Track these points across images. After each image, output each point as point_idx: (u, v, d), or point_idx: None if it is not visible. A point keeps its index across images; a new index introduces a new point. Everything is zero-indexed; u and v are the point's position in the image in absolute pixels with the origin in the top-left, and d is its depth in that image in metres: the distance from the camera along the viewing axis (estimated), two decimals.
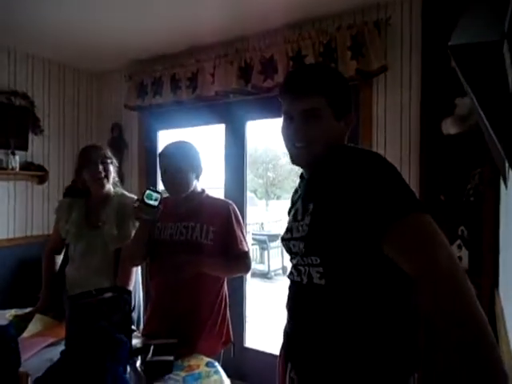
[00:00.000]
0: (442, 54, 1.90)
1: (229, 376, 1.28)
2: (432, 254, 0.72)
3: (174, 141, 1.62)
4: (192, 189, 1.59)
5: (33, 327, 1.59)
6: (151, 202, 1.42)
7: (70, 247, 1.90)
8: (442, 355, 0.65)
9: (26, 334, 1.52)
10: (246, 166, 2.80)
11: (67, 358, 1.15)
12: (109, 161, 1.85)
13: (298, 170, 1.14)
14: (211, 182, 2.98)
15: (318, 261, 0.90)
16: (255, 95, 2.54)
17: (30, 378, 1.15)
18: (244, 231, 1.62)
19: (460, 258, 1.88)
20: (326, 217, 0.88)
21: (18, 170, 2.80)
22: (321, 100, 0.93)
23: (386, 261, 0.81)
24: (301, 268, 0.96)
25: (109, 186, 1.89)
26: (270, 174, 20.68)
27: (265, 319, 4.42)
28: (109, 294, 1.44)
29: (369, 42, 2.08)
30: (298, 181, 1.14)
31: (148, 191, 1.42)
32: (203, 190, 1.66)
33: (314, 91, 0.94)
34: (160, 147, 3.18)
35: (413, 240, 0.76)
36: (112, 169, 1.87)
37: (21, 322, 1.60)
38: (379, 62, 2.07)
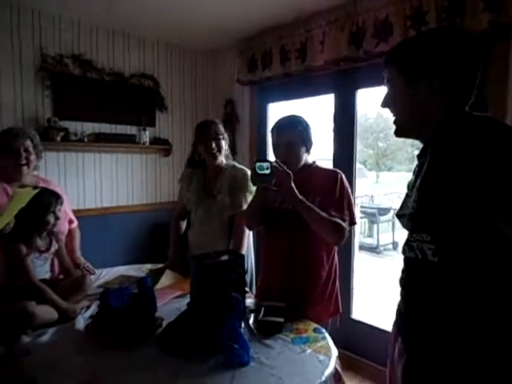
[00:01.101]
0: None
1: (334, 344, 1.31)
2: None
3: (285, 115, 1.65)
4: (303, 162, 1.61)
5: (165, 280, 1.86)
6: (264, 172, 1.45)
7: (191, 213, 2.14)
8: None
9: (159, 286, 1.78)
10: (356, 135, 2.70)
11: (192, 310, 1.33)
12: (221, 137, 2.01)
13: (413, 140, 1.08)
14: (320, 153, 2.96)
15: (429, 238, 0.87)
16: (367, 61, 2.40)
17: (163, 322, 1.37)
18: (350, 200, 1.57)
19: None
20: (434, 192, 0.83)
21: (148, 144, 3.18)
22: (393, 69, 0.95)
23: (500, 238, 0.76)
24: (413, 244, 0.93)
25: (221, 159, 2.04)
26: (380, 144, 19.43)
27: (372, 293, 4.35)
28: (225, 257, 1.59)
29: None
30: (411, 151, 1.09)
31: (258, 163, 1.44)
32: (314, 162, 1.67)
33: (389, 62, 0.97)
34: (270, 120, 3.26)
35: None
36: (223, 144, 2.02)
37: (155, 275, 1.87)
38: None
